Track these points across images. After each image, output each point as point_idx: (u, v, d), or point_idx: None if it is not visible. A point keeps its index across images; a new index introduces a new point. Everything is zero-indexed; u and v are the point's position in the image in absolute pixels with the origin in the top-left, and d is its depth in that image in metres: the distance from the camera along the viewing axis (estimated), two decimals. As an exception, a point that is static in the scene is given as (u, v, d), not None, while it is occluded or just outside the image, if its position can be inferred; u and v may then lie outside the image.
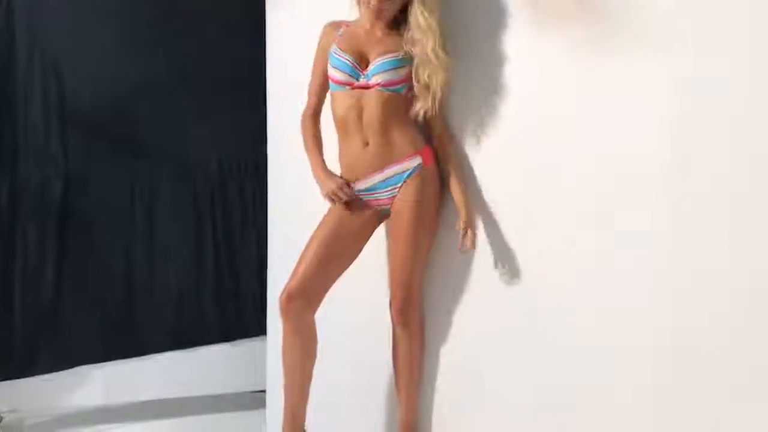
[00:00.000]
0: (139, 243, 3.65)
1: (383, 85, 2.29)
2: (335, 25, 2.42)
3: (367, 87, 2.30)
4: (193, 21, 3.62)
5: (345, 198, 2.36)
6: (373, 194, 2.38)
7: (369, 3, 2.28)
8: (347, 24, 2.41)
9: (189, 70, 3.63)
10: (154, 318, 3.68)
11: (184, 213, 3.72)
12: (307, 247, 2.39)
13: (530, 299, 2.18)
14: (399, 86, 2.30)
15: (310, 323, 2.40)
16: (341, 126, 2.37)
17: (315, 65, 2.48)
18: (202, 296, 3.76)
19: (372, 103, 2.30)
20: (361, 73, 2.32)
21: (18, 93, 3.38)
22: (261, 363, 3.38)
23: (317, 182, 2.41)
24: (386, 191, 2.36)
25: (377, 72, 2.29)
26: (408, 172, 2.32)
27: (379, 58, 2.30)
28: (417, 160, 2.33)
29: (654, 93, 1.81)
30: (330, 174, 2.40)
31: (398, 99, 2.31)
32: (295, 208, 2.98)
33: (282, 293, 2.38)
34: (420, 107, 2.27)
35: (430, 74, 2.23)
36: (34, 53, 3.40)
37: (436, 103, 2.25)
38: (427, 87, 2.24)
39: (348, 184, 2.37)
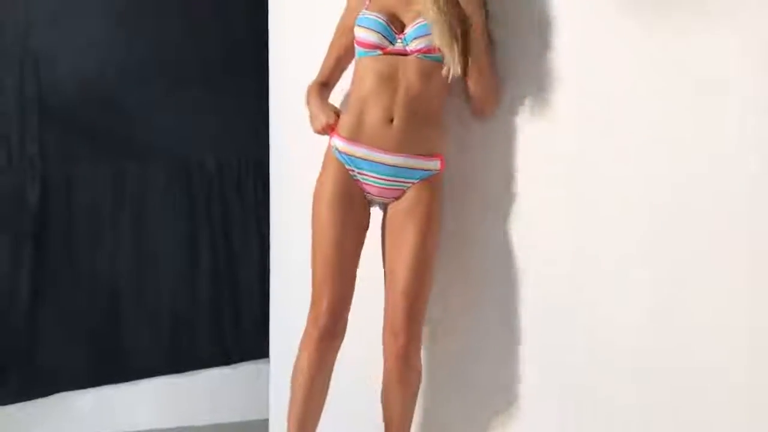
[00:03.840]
0: (126, 254, 3.51)
1: (424, 52, 2.05)
2: None
3: (404, 54, 2.07)
4: (185, 3, 3.54)
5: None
6: (374, 177, 2.10)
7: None
8: None
9: (182, 57, 3.52)
10: (144, 338, 3.53)
11: (177, 219, 3.60)
12: (316, 260, 2.12)
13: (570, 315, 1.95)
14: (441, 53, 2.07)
15: (334, 358, 2.15)
16: (367, 96, 2.10)
17: (335, 38, 2.27)
18: (198, 314, 3.63)
19: (411, 73, 2.06)
20: (397, 37, 2.08)
21: (-10, 86, 3.25)
22: (263, 388, 3.23)
23: (309, 112, 2.22)
24: (394, 181, 2.09)
25: (418, 35, 2.05)
26: (424, 173, 2.10)
27: (418, 20, 2.06)
28: (436, 164, 2.11)
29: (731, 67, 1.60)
30: (325, 106, 2.19)
31: (440, 72, 2.06)
32: (301, 212, 2.70)
33: (313, 325, 2.11)
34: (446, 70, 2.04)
35: (433, 24, 2.01)
36: (8, 41, 3.24)
37: (456, 60, 2.00)
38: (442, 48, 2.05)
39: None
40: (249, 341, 3.64)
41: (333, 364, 2.15)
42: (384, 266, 2.16)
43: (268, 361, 3.17)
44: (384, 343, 2.11)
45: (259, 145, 3.27)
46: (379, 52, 2.07)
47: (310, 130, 2.28)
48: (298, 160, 2.68)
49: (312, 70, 2.54)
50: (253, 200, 3.70)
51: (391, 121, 2.06)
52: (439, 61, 2.04)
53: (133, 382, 3.51)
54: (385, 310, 2.12)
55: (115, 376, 3.49)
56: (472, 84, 2.07)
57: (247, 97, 3.44)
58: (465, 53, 2.01)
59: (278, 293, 3.14)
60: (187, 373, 3.61)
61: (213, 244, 3.66)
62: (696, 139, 1.68)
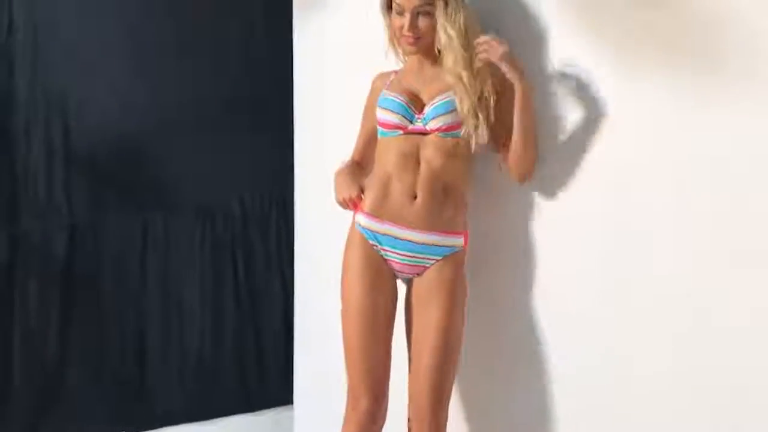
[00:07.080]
0: (152, 301, 3.46)
1: (443, 131, 2.05)
2: (385, 75, 2.25)
3: (424, 133, 2.07)
4: (209, 48, 3.50)
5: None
6: (395, 253, 2.09)
7: (401, 37, 2.08)
8: (396, 72, 2.22)
9: (207, 103, 3.48)
10: (168, 385, 3.48)
11: (201, 265, 3.56)
12: (350, 340, 2.09)
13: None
14: (460, 130, 2.07)
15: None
16: (390, 173, 2.11)
17: (363, 122, 2.31)
18: (222, 360, 3.58)
19: (431, 151, 2.06)
20: (416, 116, 2.08)
21: (18, 134, 3.18)
22: (288, 436, 3.17)
23: (334, 183, 2.22)
24: (416, 257, 2.07)
25: (435, 116, 2.06)
26: (447, 249, 2.06)
27: (435, 100, 2.06)
28: (460, 241, 2.08)
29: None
30: (355, 179, 2.18)
31: (461, 149, 2.06)
32: (326, 257, 2.71)
33: (353, 409, 2.06)
34: (464, 132, 2.04)
35: (460, 98, 2.00)
36: (36, 88, 3.22)
37: (478, 131, 2.01)
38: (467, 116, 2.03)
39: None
40: (273, 388, 3.59)
41: None
42: (408, 346, 2.12)
43: (292, 408, 3.13)
44: (409, 428, 2.07)
45: (284, 188, 3.26)
46: (400, 132, 2.08)
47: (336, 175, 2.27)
48: (324, 203, 2.65)
49: (336, 111, 2.54)
50: (277, 246, 3.65)
51: (414, 197, 2.05)
52: (457, 137, 2.04)
53: (157, 429, 3.42)
54: (410, 392, 2.06)
55: (140, 423, 3.40)
56: (514, 154, 2.03)
57: (271, 141, 3.42)
58: (493, 123, 2.01)
59: (303, 339, 3.11)
60: (209, 421, 3.52)
61: (237, 290, 3.61)
62: (735, 210, 1.66)
